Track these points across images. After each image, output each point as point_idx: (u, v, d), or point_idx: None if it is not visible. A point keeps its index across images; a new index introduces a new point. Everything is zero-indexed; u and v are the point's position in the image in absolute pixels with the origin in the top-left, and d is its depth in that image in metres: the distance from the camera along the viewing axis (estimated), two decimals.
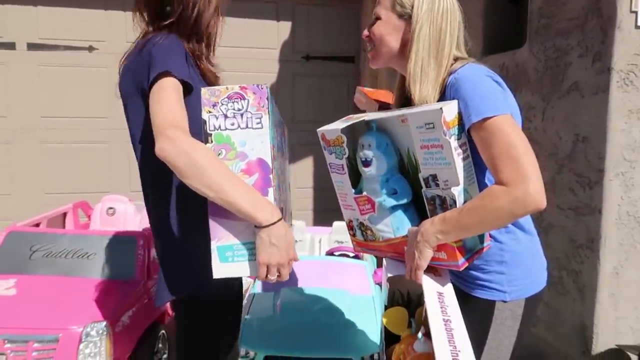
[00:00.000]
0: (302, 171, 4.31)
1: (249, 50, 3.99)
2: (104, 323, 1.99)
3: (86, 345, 1.95)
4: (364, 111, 1.60)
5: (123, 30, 3.89)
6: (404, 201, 1.21)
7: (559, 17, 2.40)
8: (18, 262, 2.33)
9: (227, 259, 1.09)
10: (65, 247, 2.35)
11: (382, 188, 1.21)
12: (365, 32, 1.32)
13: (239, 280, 1.45)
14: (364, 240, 1.32)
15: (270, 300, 2.38)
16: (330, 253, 2.88)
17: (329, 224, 3.79)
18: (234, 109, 1.08)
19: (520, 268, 1.24)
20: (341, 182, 1.29)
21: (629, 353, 2.22)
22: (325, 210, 4.34)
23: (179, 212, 1.27)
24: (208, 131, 1.08)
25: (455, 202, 1.10)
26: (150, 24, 1.29)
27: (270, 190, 1.10)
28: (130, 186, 4.00)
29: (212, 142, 1.08)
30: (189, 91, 1.17)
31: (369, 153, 1.20)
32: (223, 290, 1.28)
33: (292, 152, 4.19)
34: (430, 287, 1.14)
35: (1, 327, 1.95)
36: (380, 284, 2.74)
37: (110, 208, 3.14)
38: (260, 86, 1.10)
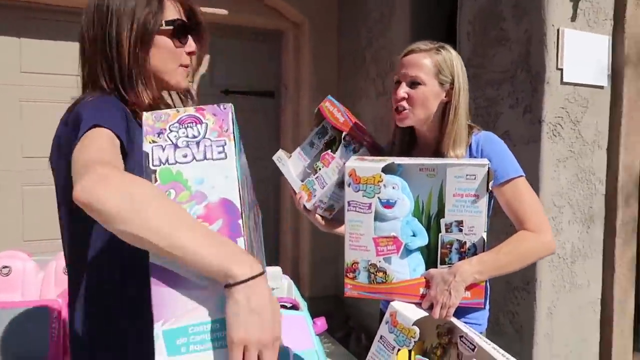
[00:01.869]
0: None
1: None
2: None
3: None
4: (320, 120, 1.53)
5: (17, 59, 3.44)
6: (425, 243, 1.27)
7: (488, 69, 2.52)
8: None
9: (178, 350, 0.75)
10: None
11: (403, 230, 1.25)
12: (403, 94, 1.39)
13: None
14: (368, 284, 1.30)
15: None
16: None
17: None
18: (187, 137, 0.82)
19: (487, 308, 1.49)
20: (360, 221, 1.27)
21: None
22: None
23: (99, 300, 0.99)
24: (152, 167, 0.81)
25: (475, 247, 1.23)
26: (85, 80, 1.08)
27: (240, 240, 0.80)
28: (24, 235, 3.49)
29: (156, 180, 0.81)
30: (126, 154, 0.92)
31: (394, 194, 1.24)
32: None
33: None
34: (461, 324, 1.22)
35: None
36: (320, 335, 2.63)
37: (5, 267, 2.66)
38: (222, 106, 0.85)
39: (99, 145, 0.85)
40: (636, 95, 2.38)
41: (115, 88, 1.02)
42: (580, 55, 2.24)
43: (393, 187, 1.25)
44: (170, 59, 1.06)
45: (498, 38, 2.45)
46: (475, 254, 1.23)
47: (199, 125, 0.83)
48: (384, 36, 3.46)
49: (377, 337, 1.28)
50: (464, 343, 1.19)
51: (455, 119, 1.38)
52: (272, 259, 4.08)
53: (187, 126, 0.83)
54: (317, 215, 1.50)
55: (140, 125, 0.88)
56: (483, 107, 2.55)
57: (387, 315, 1.26)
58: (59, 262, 2.76)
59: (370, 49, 3.62)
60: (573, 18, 2.22)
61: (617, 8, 2.33)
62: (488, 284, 1.34)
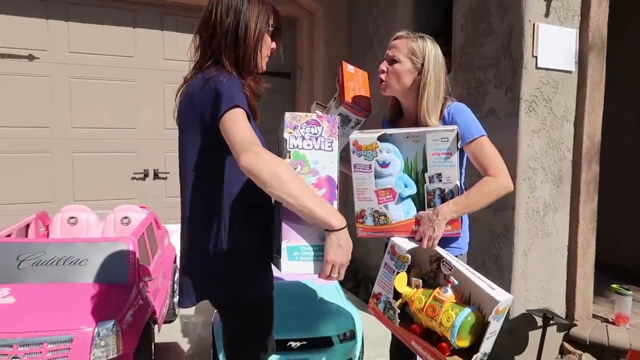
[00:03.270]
0: None
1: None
2: (113, 322, 2.17)
3: (98, 343, 2.12)
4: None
5: (65, 40, 3.91)
6: (414, 192, 1.66)
7: (477, 55, 3.02)
8: (6, 272, 2.38)
9: (293, 258, 1.28)
10: (55, 255, 2.45)
11: (397, 183, 1.65)
12: (384, 67, 1.79)
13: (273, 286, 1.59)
14: (374, 226, 1.68)
15: None
16: None
17: None
18: (310, 133, 1.31)
19: (467, 236, 1.88)
20: (364, 179, 1.65)
21: (534, 315, 2.89)
22: None
23: (234, 226, 1.40)
24: (288, 148, 1.30)
25: (452, 192, 1.62)
26: (203, 56, 1.45)
27: (335, 203, 1.32)
28: (74, 195, 4.01)
29: (290, 157, 1.29)
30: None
31: (388, 156, 1.64)
32: (269, 294, 1.48)
33: None
34: (444, 252, 1.60)
35: (13, 332, 2.05)
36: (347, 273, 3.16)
37: (72, 217, 3.19)
38: (333, 117, 1.35)
39: (244, 125, 1.27)
40: (598, 78, 2.88)
41: (236, 67, 1.40)
42: (552, 45, 2.73)
43: (387, 152, 1.62)
44: (266, 51, 1.51)
45: (486, 30, 2.94)
46: (453, 197, 1.61)
47: (318, 127, 1.32)
48: (390, 24, 3.94)
49: (382, 264, 1.67)
50: (444, 265, 1.55)
51: (425, 93, 1.71)
52: None
53: (311, 126, 1.32)
54: None
55: (246, 96, 1.37)
56: (473, 88, 3.05)
57: (388, 247, 1.64)
58: (117, 214, 3.29)
59: (377, 35, 4.10)
60: (546, 14, 2.71)
61: (584, 6, 2.81)
62: (463, 218, 1.73)
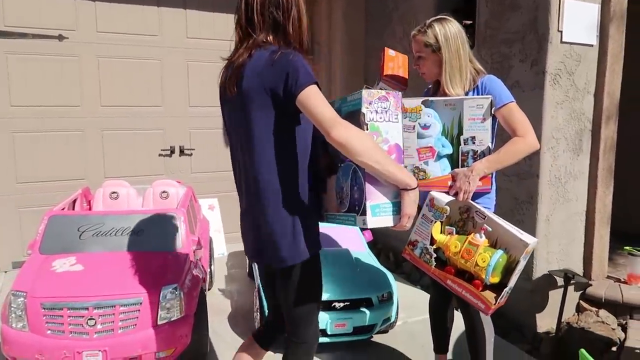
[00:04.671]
0: None
1: (216, 42, 4.28)
2: (176, 285, 2.34)
3: (164, 305, 2.30)
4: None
5: (93, 20, 3.98)
6: (451, 152, 1.88)
7: (502, 30, 3.15)
8: (70, 243, 2.53)
9: (376, 214, 1.46)
10: (114, 226, 2.60)
11: (436, 144, 1.88)
12: (416, 66, 2.04)
13: None
14: None
15: None
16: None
17: None
18: (382, 107, 1.47)
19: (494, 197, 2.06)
20: (407, 138, 1.85)
21: (555, 276, 3.09)
22: None
23: (297, 194, 1.52)
24: (365, 121, 1.44)
25: (483, 153, 1.82)
26: (261, 33, 1.51)
27: (403, 166, 1.51)
28: (105, 172, 4.14)
29: (367, 129, 1.44)
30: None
31: (429, 120, 1.87)
32: (318, 251, 1.62)
33: None
34: (477, 204, 1.77)
35: (88, 296, 2.21)
36: (370, 242, 3.35)
37: (114, 192, 3.33)
38: (397, 93, 1.52)
39: (325, 101, 1.40)
40: (618, 50, 3.03)
41: (298, 45, 1.53)
42: (576, 19, 2.87)
43: (428, 116, 1.86)
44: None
45: (511, 5, 3.06)
46: (484, 157, 1.81)
47: (386, 102, 1.48)
48: (409, 0, 4.04)
49: (419, 216, 1.81)
50: (478, 214, 1.71)
51: (445, 68, 1.94)
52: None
53: (382, 101, 1.47)
54: None
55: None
56: (498, 62, 3.19)
57: (427, 200, 1.81)
58: (155, 189, 3.44)
59: (397, 11, 4.20)
60: None
61: None
62: (493, 176, 1.93)
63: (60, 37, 3.89)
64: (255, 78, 1.46)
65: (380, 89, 2.06)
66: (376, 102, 1.47)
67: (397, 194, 1.47)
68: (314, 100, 1.39)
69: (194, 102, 4.34)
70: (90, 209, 3.34)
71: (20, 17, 3.76)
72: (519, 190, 3.11)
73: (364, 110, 1.44)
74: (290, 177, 1.53)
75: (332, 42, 4.69)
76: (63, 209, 2.84)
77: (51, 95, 3.92)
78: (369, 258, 3.05)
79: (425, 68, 2.02)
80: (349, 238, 3.20)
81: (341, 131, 1.36)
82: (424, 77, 2.08)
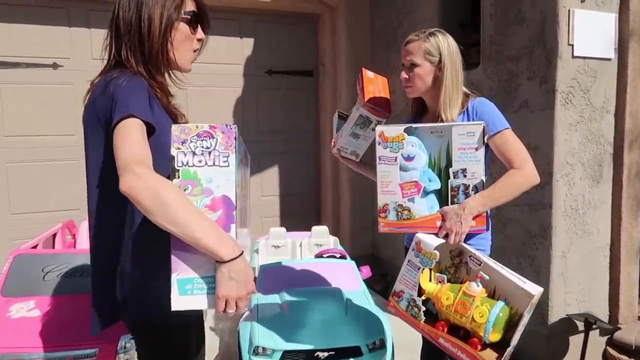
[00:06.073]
0: (268, 180, 4.54)
1: (216, 66, 4.17)
2: None
3: (122, 356, 2.10)
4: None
5: (88, 47, 3.91)
6: (439, 187, 1.65)
7: (508, 46, 2.86)
8: (32, 285, 2.38)
9: (186, 292, 1.11)
10: (79, 267, 2.44)
11: (421, 177, 1.64)
12: (405, 75, 1.81)
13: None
14: (397, 220, 1.67)
15: (275, 304, 2.62)
16: (319, 255, 3.17)
17: (296, 226, 4.07)
18: (202, 147, 1.12)
19: (490, 238, 1.85)
20: (389, 171, 1.66)
21: (575, 320, 2.73)
22: (290, 215, 4.61)
23: (138, 247, 1.24)
24: (176, 167, 1.11)
25: (476, 188, 1.59)
26: (111, 54, 1.31)
27: (233, 227, 1.13)
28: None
29: (179, 177, 1.11)
30: (152, 132, 1.17)
31: (413, 150, 1.63)
32: (186, 319, 1.28)
33: (257, 162, 4.47)
34: (470, 248, 1.58)
35: (37, 347, 2.04)
36: (366, 280, 3.08)
37: None
38: (229, 126, 1.14)
39: (133, 139, 1.11)
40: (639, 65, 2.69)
41: (143, 66, 1.25)
42: (589, 31, 2.55)
43: (412, 145, 1.63)
44: (186, 43, 1.33)
45: (516, 18, 2.78)
46: (477, 193, 1.59)
47: (211, 139, 1.13)
48: (414, 16, 3.79)
49: (405, 262, 1.63)
50: (472, 260, 1.54)
51: (443, 86, 1.73)
52: (316, 224, 4.53)
53: (203, 139, 1.12)
54: (342, 156, 2.03)
55: (157, 97, 1.24)
56: (504, 80, 2.90)
57: (413, 244, 1.61)
58: None
59: (401, 28, 3.96)
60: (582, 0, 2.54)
61: None
62: (489, 214, 1.69)
63: (55, 66, 3.84)
64: (91, 108, 1.26)
65: (361, 115, 1.85)
66: (194, 140, 1.12)
67: None
68: (118, 137, 1.12)
69: None
70: (75, 243, 3.21)
71: (13, 46, 3.72)
72: (530, 223, 2.78)
73: (173, 152, 1.12)
74: (124, 227, 1.28)
75: (337, 63, 4.48)
76: (36, 245, 2.71)
77: (45, 125, 3.85)
78: (363, 299, 2.77)
79: (416, 80, 1.79)
80: (342, 275, 2.93)
81: (129, 179, 1.05)
82: (408, 91, 1.85)
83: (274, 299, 2.66)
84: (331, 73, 4.52)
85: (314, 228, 3.57)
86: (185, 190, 1.11)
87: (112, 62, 1.30)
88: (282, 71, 4.48)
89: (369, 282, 3.21)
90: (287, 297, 2.63)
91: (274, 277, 2.88)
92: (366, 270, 3.03)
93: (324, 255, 3.15)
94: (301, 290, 2.70)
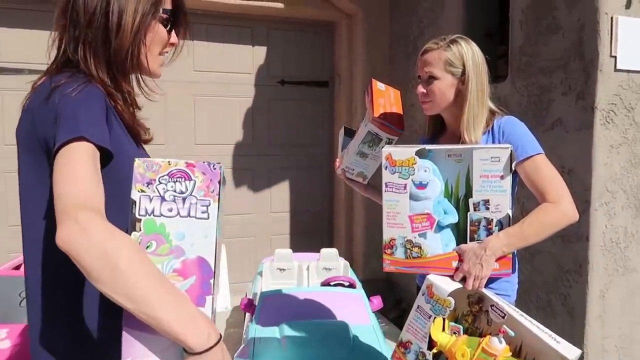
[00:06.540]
0: (278, 195, 4.30)
1: (226, 75, 3.97)
2: None
3: None
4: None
5: None
6: (456, 220, 1.38)
7: (540, 57, 2.57)
8: (7, 311, 2.18)
9: None
10: None
11: (435, 209, 1.37)
12: (422, 89, 1.57)
13: None
14: (405, 259, 1.41)
15: (274, 338, 2.36)
16: (326, 283, 2.90)
17: (306, 246, 3.81)
18: (174, 191, 0.85)
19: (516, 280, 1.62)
20: (396, 200, 1.39)
21: None
22: (301, 233, 4.35)
23: (70, 314, 0.94)
24: (137, 216, 0.85)
25: (500, 223, 1.33)
26: (60, 49, 1.05)
27: (209, 299, 0.87)
28: None
29: (140, 230, 0.84)
30: (109, 160, 0.90)
31: (426, 176, 1.37)
32: None
33: (267, 176, 4.22)
34: (491, 294, 1.34)
35: None
36: (376, 313, 2.80)
37: None
38: (212, 165, 0.87)
39: (79, 172, 0.82)
40: None
41: (106, 69, 1.00)
42: (635, 42, 2.25)
43: (425, 170, 1.37)
44: (158, 45, 1.07)
45: (550, 26, 2.48)
46: (501, 229, 1.33)
47: (187, 182, 0.86)
48: (436, 24, 3.53)
49: (414, 307, 1.38)
50: (494, 311, 1.29)
51: (468, 104, 1.51)
52: (328, 244, 4.27)
53: (176, 180, 0.86)
54: (347, 178, 1.75)
55: (117, 111, 0.98)
56: (535, 95, 2.60)
57: (423, 287, 1.37)
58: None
59: (422, 37, 3.69)
60: (627, 5, 2.23)
61: None
62: (515, 254, 1.43)
63: None
64: (27, 120, 1.01)
65: (369, 132, 1.59)
66: (164, 180, 0.85)
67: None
68: (58, 168, 0.83)
69: (200, 140, 4.01)
70: None
71: (16, 52, 3.59)
72: (564, 257, 2.46)
73: (134, 195, 0.85)
74: (62, 285, 0.98)
75: (353, 74, 4.24)
76: (19, 265, 2.51)
77: None
78: (372, 334, 2.48)
79: (436, 94, 1.56)
80: (349, 306, 2.65)
81: (68, 229, 0.76)
82: (425, 107, 1.62)
83: (273, 332, 2.41)
84: (347, 84, 4.28)
85: (323, 250, 3.31)
86: (147, 248, 0.84)
87: (61, 60, 1.04)
88: (296, 81, 4.26)
89: (384, 308, 2.93)
90: (287, 331, 2.37)
91: (274, 307, 2.63)
92: (377, 302, 2.75)
93: (331, 283, 2.88)
94: (302, 323, 2.44)
